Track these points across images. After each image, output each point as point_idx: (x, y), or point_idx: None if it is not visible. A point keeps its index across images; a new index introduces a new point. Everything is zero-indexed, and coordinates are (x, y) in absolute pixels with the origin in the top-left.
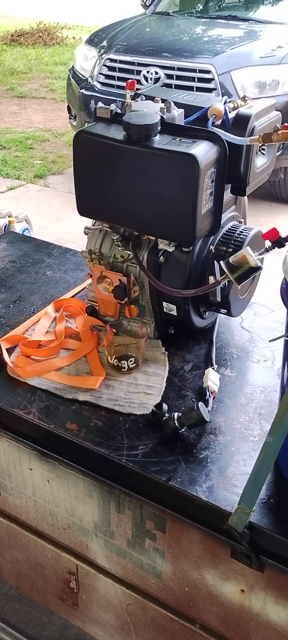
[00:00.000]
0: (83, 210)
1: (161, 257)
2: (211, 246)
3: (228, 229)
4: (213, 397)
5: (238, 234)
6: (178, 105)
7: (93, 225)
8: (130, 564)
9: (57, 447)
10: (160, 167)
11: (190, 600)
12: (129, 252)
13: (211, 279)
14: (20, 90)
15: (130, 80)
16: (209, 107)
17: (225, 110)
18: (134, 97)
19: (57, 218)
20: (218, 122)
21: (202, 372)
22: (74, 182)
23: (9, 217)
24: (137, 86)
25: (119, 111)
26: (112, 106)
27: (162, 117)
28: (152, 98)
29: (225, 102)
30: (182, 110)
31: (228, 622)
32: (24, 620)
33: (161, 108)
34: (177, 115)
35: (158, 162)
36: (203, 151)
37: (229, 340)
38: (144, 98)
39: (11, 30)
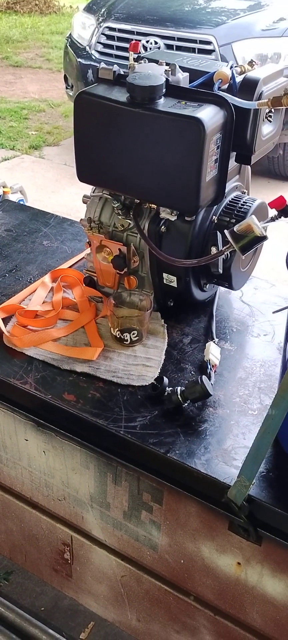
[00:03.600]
0: (83, 176)
1: (162, 227)
2: (214, 216)
3: (232, 199)
4: (215, 371)
5: (241, 205)
6: (183, 69)
7: (93, 193)
8: (125, 535)
9: (53, 418)
10: (164, 131)
11: (186, 573)
12: (129, 221)
13: (213, 250)
14: (16, 60)
15: (133, 42)
16: (215, 72)
17: (233, 74)
18: (136, 60)
19: (52, 190)
20: (225, 87)
21: (201, 345)
22: (74, 146)
23: (3, 187)
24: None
25: (122, 72)
26: (115, 67)
27: (167, 79)
28: (155, 61)
29: (231, 67)
30: (187, 74)
31: (223, 595)
32: (17, 591)
33: (165, 70)
34: (182, 78)
35: (162, 125)
36: (209, 115)
37: (229, 314)
38: (146, 61)
39: None
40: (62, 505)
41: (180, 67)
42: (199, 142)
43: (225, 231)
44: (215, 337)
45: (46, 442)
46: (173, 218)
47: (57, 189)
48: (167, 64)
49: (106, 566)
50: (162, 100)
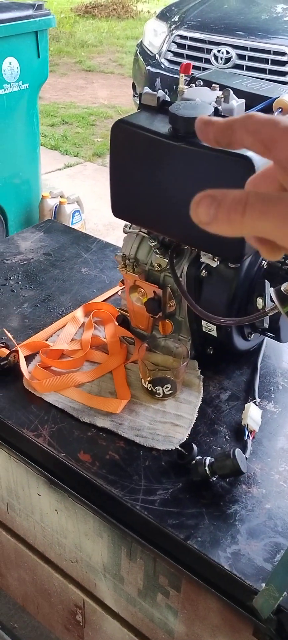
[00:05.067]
0: (118, 211)
1: (203, 271)
2: (263, 261)
3: None
4: (253, 438)
5: None
6: (240, 93)
7: (129, 229)
8: (140, 613)
9: (66, 478)
10: (208, 168)
11: None
12: (167, 260)
13: (259, 302)
14: (89, 64)
15: (185, 63)
16: (275, 98)
17: None
18: (189, 82)
19: None
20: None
21: (240, 403)
22: (110, 179)
23: (60, 197)
24: (208, 67)
25: (167, 99)
26: (160, 92)
27: (216, 108)
28: (210, 83)
29: None
30: (243, 100)
31: None
32: (31, 636)
33: (218, 97)
34: (236, 106)
35: (206, 162)
36: None
37: (276, 367)
38: (201, 83)
39: (86, 1)
40: (74, 568)
41: (237, 91)
42: (245, 182)
43: (271, 290)
44: (256, 396)
45: (59, 501)
46: (215, 264)
47: None
48: (221, 88)
49: (119, 638)
50: None
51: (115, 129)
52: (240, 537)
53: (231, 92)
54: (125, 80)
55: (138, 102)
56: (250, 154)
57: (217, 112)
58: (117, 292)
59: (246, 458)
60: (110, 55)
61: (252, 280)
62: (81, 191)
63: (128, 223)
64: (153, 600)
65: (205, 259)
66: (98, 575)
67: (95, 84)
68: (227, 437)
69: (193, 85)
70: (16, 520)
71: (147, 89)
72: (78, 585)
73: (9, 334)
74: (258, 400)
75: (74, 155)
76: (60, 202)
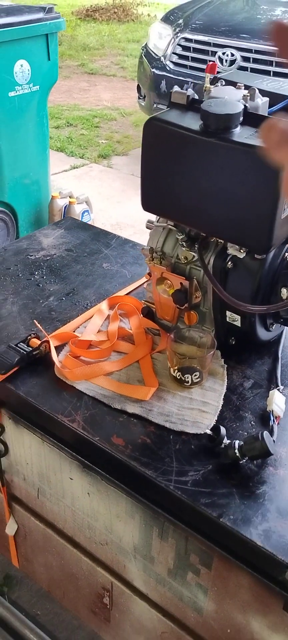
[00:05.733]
0: (148, 205)
1: (229, 263)
2: (286, 253)
3: None
4: (278, 423)
5: None
6: (262, 92)
7: (157, 222)
8: (169, 593)
9: (100, 461)
10: (239, 163)
11: None
12: (193, 253)
13: (284, 292)
14: (91, 67)
15: (210, 63)
16: None
17: None
18: (212, 82)
19: (117, 200)
20: None
21: (263, 391)
22: (141, 175)
23: (70, 197)
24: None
25: (196, 97)
26: (189, 91)
27: (245, 105)
28: (233, 83)
29: None
30: (267, 99)
31: None
32: (54, 622)
33: (244, 95)
34: (261, 104)
35: (238, 157)
36: None
37: None
38: (223, 83)
39: (87, 4)
40: (103, 550)
41: (259, 90)
42: (277, 177)
43: None
44: (280, 383)
45: (91, 484)
46: (241, 255)
47: (123, 199)
48: (246, 87)
49: (146, 619)
50: (238, 130)
51: (148, 126)
52: (270, 515)
53: (256, 90)
54: (127, 83)
55: (143, 104)
56: None
57: (245, 110)
58: (140, 285)
59: (274, 441)
60: (112, 58)
61: (275, 272)
62: (88, 192)
63: (153, 218)
64: (183, 579)
65: (232, 250)
66: (128, 557)
67: (98, 86)
68: (252, 422)
69: (217, 84)
70: (46, 505)
71: (176, 88)
72: (106, 568)
73: (39, 326)
74: (281, 387)
75: (80, 157)
76: (70, 202)
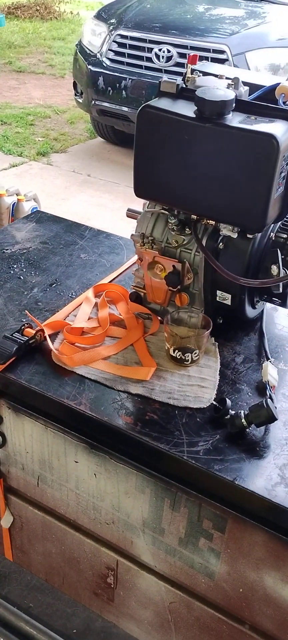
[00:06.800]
0: (142, 191)
1: (220, 244)
2: (271, 233)
3: None
4: (273, 392)
5: None
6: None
7: (147, 208)
8: (179, 562)
9: (110, 441)
10: (236, 146)
11: (244, 602)
12: (183, 237)
13: (274, 269)
14: (19, 65)
15: (192, 54)
16: (276, 85)
17: None
18: (192, 73)
19: (62, 197)
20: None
21: (254, 364)
22: (134, 161)
23: (17, 195)
24: (150, 65)
25: (184, 86)
26: (178, 80)
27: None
28: (208, 74)
29: None
30: (248, 87)
31: (285, 625)
32: (48, 612)
33: (228, 84)
34: (244, 92)
35: (234, 141)
36: (282, 131)
37: (277, 332)
38: (199, 74)
39: (7, 2)
40: (109, 529)
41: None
42: (272, 158)
43: None
44: (270, 356)
45: (98, 464)
46: (234, 235)
47: (67, 196)
48: (227, 78)
49: (154, 592)
50: (230, 116)
51: (142, 113)
52: (279, 474)
53: (240, 79)
54: (57, 81)
55: (80, 100)
56: (275, 131)
57: (236, 97)
58: (121, 272)
59: (275, 407)
60: (39, 56)
61: (263, 251)
62: (31, 190)
63: (139, 206)
64: (194, 546)
65: (226, 231)
66: (136, 532)
67: (28, 84)
68: (249, 394)
69: (196, 76)
70: (47, 492)
71: (165, 78)
72: (111, 548)
73: (31, 316)
74: (272, 359)
75: (18, 155)
76: (18, 199)
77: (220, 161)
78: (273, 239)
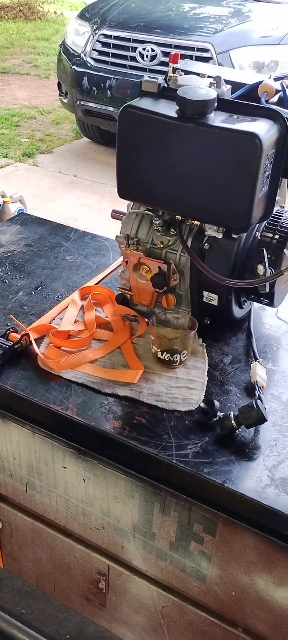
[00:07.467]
0: (125, 192)
1: (206, 244)
2: (257, 232)
3: (274, 214)
4: (262, 393)
5: (284, 220)
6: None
7: (132, 209)
8: (170, 566)
9: (98, 446)
10: (219, 146)
11: (236, 605)
12: (169, 238)
13: (260, 268)
14: (3, 66)
15: (173, 53)
16: (258, 83)
17: (283, 86)
18: (173, 72)
19: (48, 198)
20: (273, 100)
21: (243, 365)
22: (117, 162)
23: (2, 197)
24: (134, 64)
25: (166, 85)
26: (160, 80)
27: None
28: (190, 73)
29: (277, 80)
30: (230, 86)
31: (278, 627)
32: (40, 618)
33: (210, 83)
34: (226, 91)
35: (217, 140)
36: (264, 130)
37: (265, 332)
38: (181, 73)
39: None
40: (99, 534)
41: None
42: (255, 157)
43: None
44: (258, 356)
45: (87, 470)
46: (220, 236)
47: (53, 197)
48: (209, 76)
49: (146, 596)
50: (212, 115)
51: (123, 114)
52: (269, 475)
53: (222, 78)
54: (42, 81)
55: (65, 101)
56: (258, 130)
57: (218, 96)
58: (107, 274)
59: (265, 408)
60: (23, 56)
61: (248, 250)
62: (17, 191)
63: (124, 207)
64: (185, 550)
65: (211, 231)
66: (126, 537)
67: (12, 85)
68: (237, 395)
69: (177, 75)
70: (36, 498)
71: (147, 77)
72: (102, 553)
73: (16, 320)
74: (260, 360)
75: (4, 157)
76: (4, 201)
77: (203, 161)
78: (259, 238)
